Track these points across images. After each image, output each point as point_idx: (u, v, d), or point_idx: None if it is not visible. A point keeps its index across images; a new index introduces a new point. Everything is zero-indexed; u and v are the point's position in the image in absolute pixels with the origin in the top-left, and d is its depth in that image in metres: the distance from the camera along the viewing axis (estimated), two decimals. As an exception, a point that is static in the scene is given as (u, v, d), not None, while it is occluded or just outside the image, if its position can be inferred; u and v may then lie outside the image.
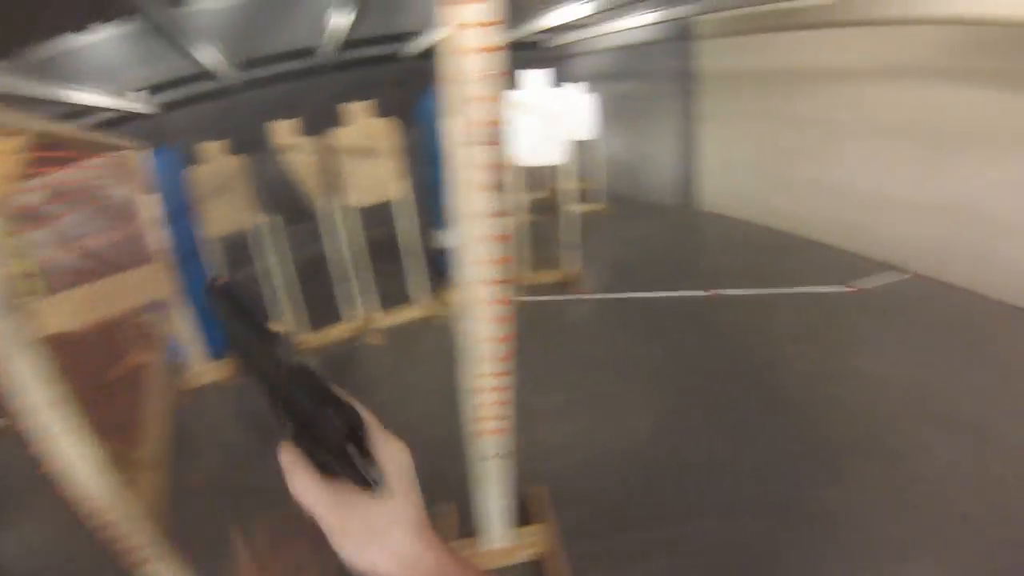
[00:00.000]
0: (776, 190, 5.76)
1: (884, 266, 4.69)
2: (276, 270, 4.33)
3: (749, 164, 6.03)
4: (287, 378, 0.42)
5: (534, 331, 4.04)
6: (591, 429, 3.12)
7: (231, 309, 0.45)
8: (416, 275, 4.62)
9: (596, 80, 8.14)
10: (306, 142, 4.07)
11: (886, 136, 4.50)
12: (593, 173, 7.62)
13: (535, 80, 4.73)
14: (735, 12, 5.13)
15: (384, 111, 4.20)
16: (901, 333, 3.71)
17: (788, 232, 5.72)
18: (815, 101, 5.07)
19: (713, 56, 6.10)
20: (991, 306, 3.90)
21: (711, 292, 4.57)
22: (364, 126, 4.10)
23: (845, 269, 4.76)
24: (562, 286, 5.09)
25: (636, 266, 5.67)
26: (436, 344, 4.25)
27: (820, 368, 3.42)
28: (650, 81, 7.02)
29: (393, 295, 4.67)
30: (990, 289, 3.98)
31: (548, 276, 5.21)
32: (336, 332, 4.56)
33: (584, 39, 7.19)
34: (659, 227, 6.75)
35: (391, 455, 0.45)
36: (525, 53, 8.07)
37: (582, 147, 7.90)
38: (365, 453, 0.44)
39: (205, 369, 4.05)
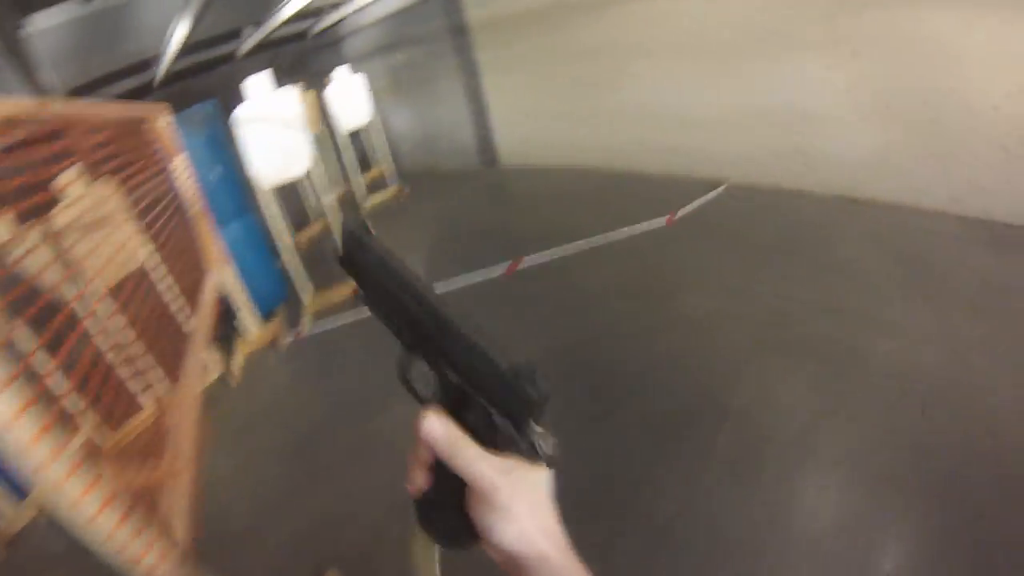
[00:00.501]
0: (577, 128, 5.26)
1: (706, 184, 4.37)
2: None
3: (543, 108, 5.50)
4: (466, 348, 0.40)
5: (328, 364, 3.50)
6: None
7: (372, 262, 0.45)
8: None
9: (367, 58, 7.26)
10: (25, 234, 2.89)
11: (682, 52, 4.12)
12: (379, 158, 6.78)
13: (256, 87, 3.86)
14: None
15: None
16: (728, 257, 3.33)
17: (599, 169, 5.28)
18: (599, 27, 4.56)
19: (480, 3, 5.38)
20: (814, 203, 3.71)
21: (514, 263, 3.89)
22: (84, 197, 3.09)
23: (666, 198, 4.37)
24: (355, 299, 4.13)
25: (439, 252, 4.92)
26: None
27: (651, 322, 2.93)
28: (423, 45, 6.23)
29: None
30: (813, 185, 3.79)
31: (339, 292, 4.25)
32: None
33: (345, 17, 6.15)
34: (460, 199, 6.05)
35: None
36: (284, 48, 6.90)
37: (363, 133, 7.02)
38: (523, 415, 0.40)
39: (260, 332, 3.85)
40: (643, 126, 4.67)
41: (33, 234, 2.93)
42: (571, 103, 5.14)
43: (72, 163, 2.78)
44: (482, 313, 3.32)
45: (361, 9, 5.93)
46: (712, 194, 4.14)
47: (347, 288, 4.05)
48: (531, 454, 0.39)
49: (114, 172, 3.08)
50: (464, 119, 6.16)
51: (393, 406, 2.56)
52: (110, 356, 2.76)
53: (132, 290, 2.89)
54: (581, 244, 3.89)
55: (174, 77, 6.04)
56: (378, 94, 7.30)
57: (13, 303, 1.96)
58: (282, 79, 6.39)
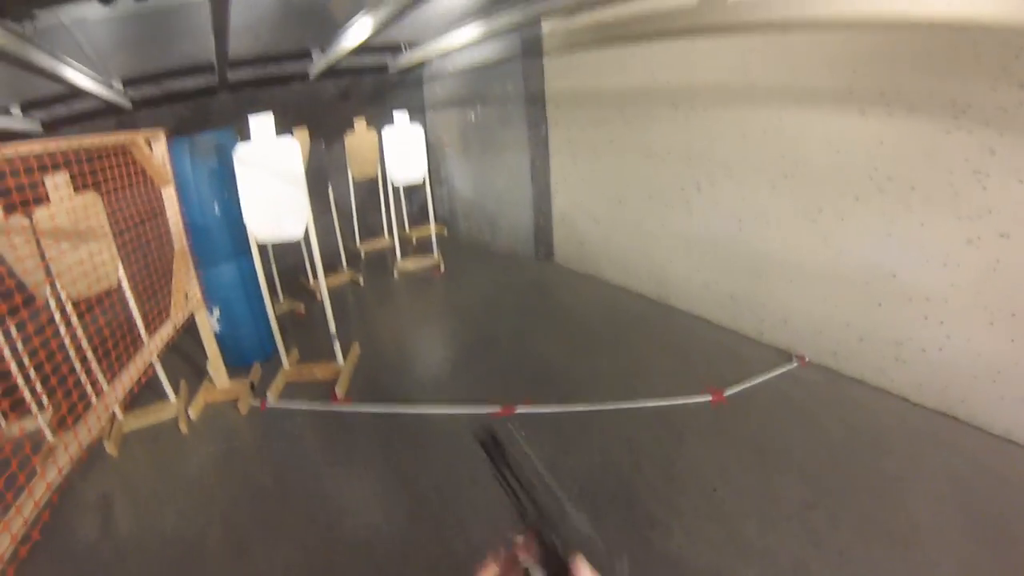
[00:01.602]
0: (641, 246, 4.44)
1: (775, 354, 3.51)
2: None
3: (607, 211, 4.70)
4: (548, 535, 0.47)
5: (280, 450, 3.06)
6: None
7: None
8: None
9: (443, 108, 6.84)
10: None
11: (776, 183, 3.26)
12: (422, 220, 6.24)
13: (261, 126, 3.34)
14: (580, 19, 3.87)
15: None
16: (771, 478, 2.39)
17: (654, 300, 4.44)
18: (686, 129, 3.77)
19: (560, 74, 4.79)
20: (900, 412, 2.75)
21: (507, 408, 3.10)
22: (67, 203, 3.03)
23: (720, 359, 3.54)
24: (326, 385, 3.54)
25: (438, 353, 4.22)
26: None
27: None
28: (497, 106, 5.64)
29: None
30: (906, 387, 2.90)
31: (322, 370, 3.67)
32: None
33: (423, 62, 5.78)
34: (494, 292, 5.21)
35: None
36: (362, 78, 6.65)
37: (410, 190, 6.57)
38: None
39: (226, 385, 3.60)
40: (712, 262, 3.82)
41: (14, 221, 2.95)
42: (638, 214, 4.36)
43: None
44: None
45: (442, 55, 5.52)
46: (778, 371, 3.23)
47: (330, 370, 3.55)
48: None
49: (100, 188, 3.03)
50: (526, 200, 5.47)
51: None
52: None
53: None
54: (586, 408, 3.04)
55: (239, 85, 5.86)
56: (447, 150, 6.90)
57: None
58: (353, 110, 6.20)
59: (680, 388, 3.12)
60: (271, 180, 3.37)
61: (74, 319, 3.19)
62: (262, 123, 3.33)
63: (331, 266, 5.33)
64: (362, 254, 6.31)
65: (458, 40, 4.60)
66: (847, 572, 1.91)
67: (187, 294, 3.40)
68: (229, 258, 3.72)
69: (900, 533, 2.04)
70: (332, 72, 6.23)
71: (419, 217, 6.87)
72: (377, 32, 3.60)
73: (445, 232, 7.05)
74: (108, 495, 2.78)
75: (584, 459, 2.65)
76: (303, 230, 3.44)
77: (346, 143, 5.66)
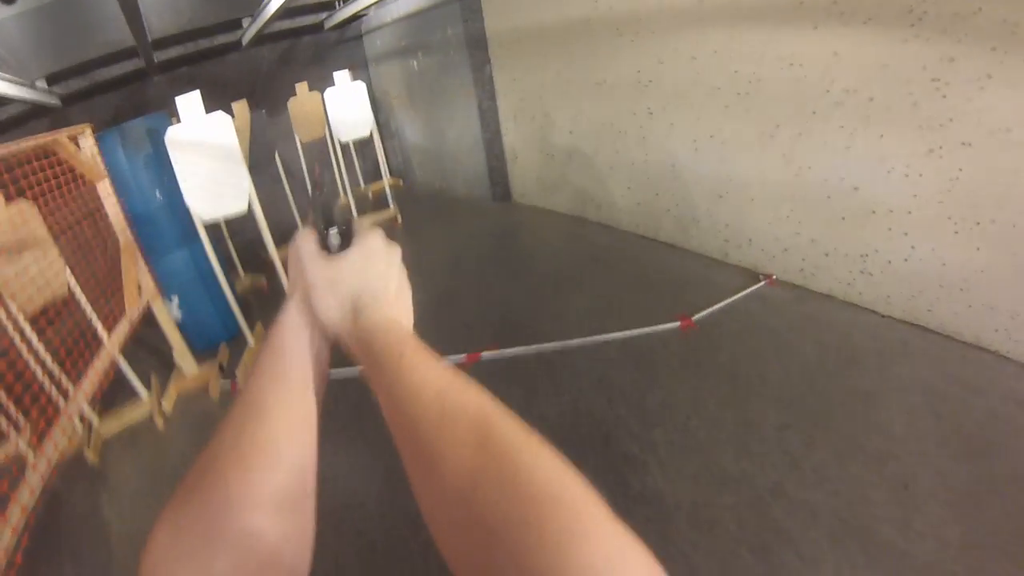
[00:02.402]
0: (599, 178, 4.32)
1: (743, 275, 3.47)
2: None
3: (562, 147, 4.54)
4: (321, 196, 0.57)
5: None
6: None
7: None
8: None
9: (385, 60, 6.48)
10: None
11: (731, 105, 3.13)
12: (376, 175, 6.04)
13: (189, 106, 3.18)
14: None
15: None
16: (740, 405, 2.40)
17: (620, 231, 4.35)
18: (635, 59, 3.58)
19: (500, 13, 4.49)
20: (870, 326, 2.75)
21: (474, 354, 3.08)
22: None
23: (688, 285, 3.47)
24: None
25: None
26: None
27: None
28: (439, 53, 5.33)
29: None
30: (875, 302, 2.88)
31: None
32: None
33: (359, 13, 5.38)
34: (454, 238, 5.09)
35: (362, 241, 0.53)
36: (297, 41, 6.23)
37: (361, 145, 6.36)
38: (347, 240, 0.54)
39: (195, 372, 3.48)
40: (672, 187, 3.73)
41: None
42: (592, 146, 4.22)
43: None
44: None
45: (377, 5, 5.17)
46: (745, 292, 3.21)
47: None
48: (326, 247, 0.54)
49: (35, 195, 2.89)
50: (477, 145, 5.27)
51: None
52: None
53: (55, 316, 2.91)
54: (559, 345, 3.01)
55: (171, 64, 5.48)
56: (395, 103, 6.59)
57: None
58: (295, 74, 5.86)
59: (648, 318, 3.10)
60: (206, 159, 3.21)
61: (28, 331, 3.07)
62: (190, 102, 3.17)
63: (290, 232, 5.17)
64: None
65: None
66: (824, 490, 1.93)
67: (139, 286, 3.28)
68: (179, 244, 3.57)
69: (876, 448, 2.06)
70: (267, 38, 5.85)
71: (373, 172, 6.64)
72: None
73: (401, 184, 6.86)
74: (94, 506, 2.74)
75: (555, 400, 2.64)
76: (246, 204, 3.31)
77: (290, 108, 5.38)
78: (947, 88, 2.22)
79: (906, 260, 2.65)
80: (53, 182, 2.96)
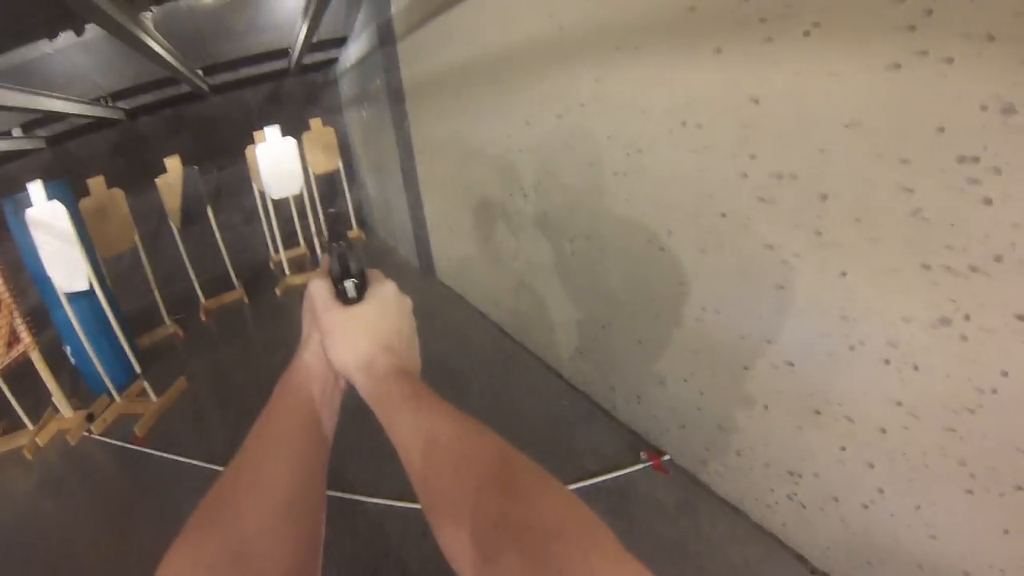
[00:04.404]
0: (495, 275, 3.21)
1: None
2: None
3: (466, 230, 3.48)
4: (339, 247, 0.55)
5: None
6: None
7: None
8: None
9: (347, 107, 5.92)
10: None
11: None
12: (296, 239, 5.43)
13: (35, 192, 3.31)
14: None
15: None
16: None
17: (520, 343, 3.20)
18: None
19: (411, 59, 3.59)
20: None
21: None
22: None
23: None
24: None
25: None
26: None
27: None
28: (372, 105, 4.57)
29: None
30: None
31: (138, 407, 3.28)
32: None
33: (297, 59, 4.75)
34: None
35: (377, 292, 0.54)
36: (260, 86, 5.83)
37: (329, 196, 5.80)
38: (362, 289, 0.55)
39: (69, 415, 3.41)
40: (555, 297, 2.57)
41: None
42: (479, 227, 3.17)
43: None
44: None
45: (306, 48, 4.48)
46: (628, 470, 1.98)
47: (145, 406, 3.22)
48: (344, 298, 0.54)
49: None
50: (404, 208, 4.29)
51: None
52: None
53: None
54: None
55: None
56: (359, 151, 5.94)
57: None
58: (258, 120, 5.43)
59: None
60: (52, 239, 3.29)
61: None
62: (34, 190, 3.29)
63: (225, 286, 5.05)
64: (283, 262, 5.36)
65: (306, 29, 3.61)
66: None
67: (9, 342, 3.26)
68: (60, 304, 3.51)
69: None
70: (235, 85, 5.49)
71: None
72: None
73: (363, 237, 6.07)
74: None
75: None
76: (87, 283, 3.38)
77: (304, 141, 5.22)
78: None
79: (865, 508, 1.35)
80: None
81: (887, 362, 1.19)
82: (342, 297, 0.54)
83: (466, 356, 3.16)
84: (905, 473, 1.23)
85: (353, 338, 0.51)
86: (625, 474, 1.99)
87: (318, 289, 0.54)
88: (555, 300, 2.56)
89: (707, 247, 1.57)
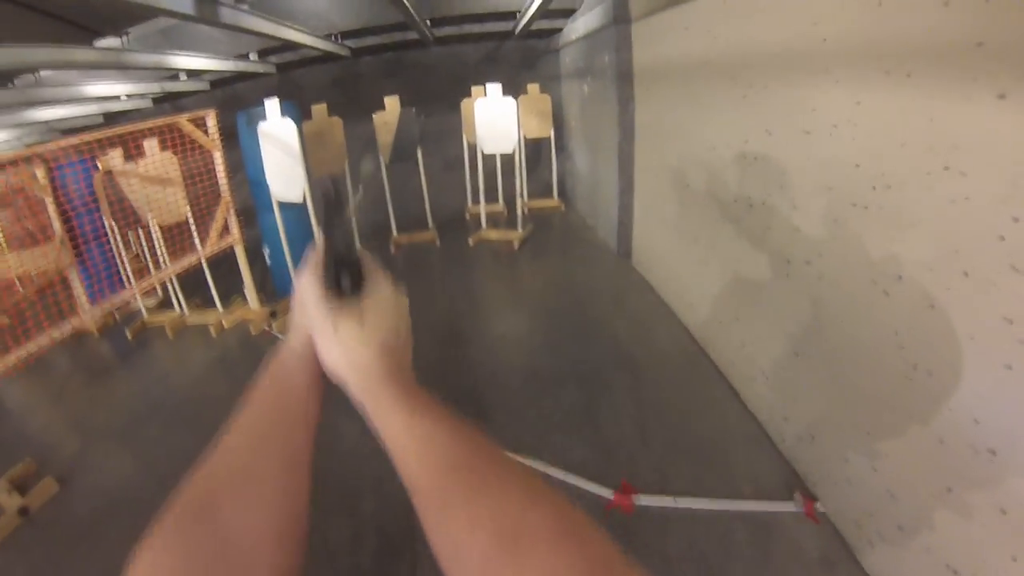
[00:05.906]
0: (709, 284, 3.18)
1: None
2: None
3: (674, 230, 3.46)
4: (339, 233, 0.50)
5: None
6: None
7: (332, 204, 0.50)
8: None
9: (566, 79, 6.06)
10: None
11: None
12: (544, 192, 5.95)
13: (271, 109, 3.84)
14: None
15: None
16: None
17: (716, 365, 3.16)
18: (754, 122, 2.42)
19: (646, 42, 3.59)
20: None
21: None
22: (155, 158, 3.86)
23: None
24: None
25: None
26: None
27: None
28: (597, 79, 4.58)
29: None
30: None
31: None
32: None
33: (526, 23, 4.95)
34: (538, 283, 4.41)
35: (374, 288, 0.52)
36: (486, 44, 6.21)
37: (534, 160, 6.11)
38: (357, 283, 0.51)
39: (255, 308, 4.12)
40: (753, 316, 2.49)
41: (131, 167, 3.92)
42: (693, 227, 3.14)
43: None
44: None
45: (538, 15, 4.66)
46: (771, 507, 1.94)
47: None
48: (339, 294, 0.50)
49: (174, 150, 3.83)
50: (613, 189, 4.36)
51: None
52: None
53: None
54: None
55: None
56: (572, 124, 6.12)
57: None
58: (486, 76, 5.95)
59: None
60: (279, 152, 3.79)
61: (157, 234, 4.08)
62: (271, 106, 3.78)
63: (419, 225, 5.59)
64: (481, 215, 5.81)
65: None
66: None
67: (221, 232, 4.00)
68: (270, 209, 4.09)
69: None
70: (457, 39, 5.90)
71: (542, 189, 6.52)
72: None
73: (563, 208, 6.31)
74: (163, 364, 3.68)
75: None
76: (301, 195, 3.82)
77: (462, 108, 5.63)
78: None
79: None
80: (188, 146, 3.80)
81: None
82: (335, 287, 0.51)
83: (646, 347, 3.22)
84: None
85: (348, 338, 0.49)
86: (773, 510, 1.94)
87: (309, 282, 0.52)
88: (754, 316, 2.50)
89: (938, 304, 1.43)
